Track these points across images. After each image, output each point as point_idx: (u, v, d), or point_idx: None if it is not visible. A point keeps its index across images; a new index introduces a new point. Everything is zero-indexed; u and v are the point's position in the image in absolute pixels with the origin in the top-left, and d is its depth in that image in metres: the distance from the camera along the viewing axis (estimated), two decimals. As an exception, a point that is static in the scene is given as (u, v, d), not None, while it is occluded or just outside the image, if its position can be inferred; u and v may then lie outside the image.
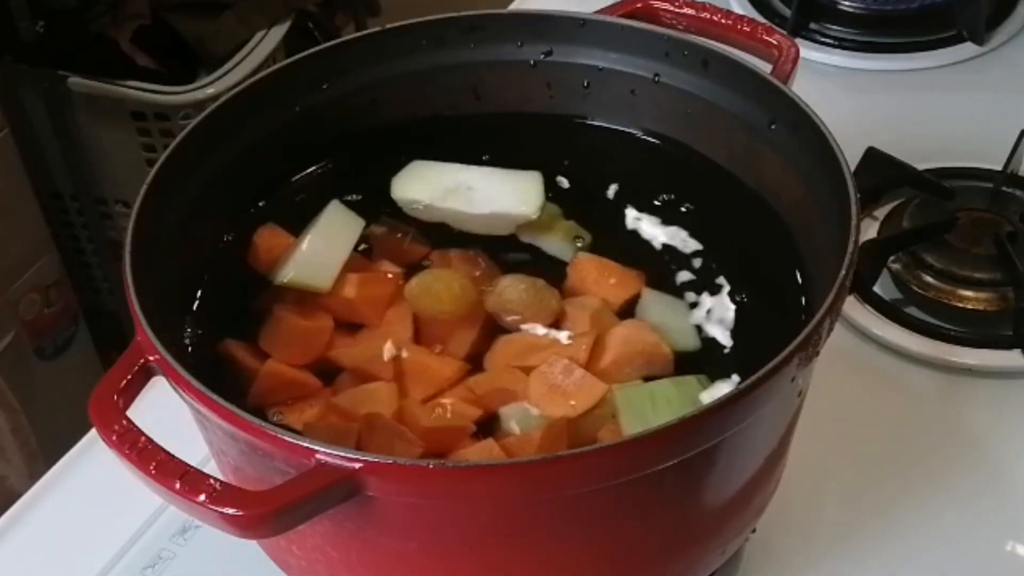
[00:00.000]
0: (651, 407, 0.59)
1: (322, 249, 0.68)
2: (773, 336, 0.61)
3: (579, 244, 0.69)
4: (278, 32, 1.67)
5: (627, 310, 0.65)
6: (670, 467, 0.52)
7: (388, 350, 0.64)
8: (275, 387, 0.62)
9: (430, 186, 0.71)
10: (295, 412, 0.61)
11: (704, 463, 0.55)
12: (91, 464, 0.80)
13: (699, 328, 0.65)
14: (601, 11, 0.72)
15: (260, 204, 0.71)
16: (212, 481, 0.51)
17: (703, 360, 0.63)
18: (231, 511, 0.50)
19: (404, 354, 0.64)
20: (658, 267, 0.68)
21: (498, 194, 0.71)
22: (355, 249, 0.69)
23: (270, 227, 0.69)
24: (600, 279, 0.67)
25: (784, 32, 0.70)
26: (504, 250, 0.69)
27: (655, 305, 0.66)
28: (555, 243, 0.69)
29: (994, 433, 0.79)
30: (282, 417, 0.61)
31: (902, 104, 1.05)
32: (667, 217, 0.70)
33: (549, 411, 0.60)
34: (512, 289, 0.66)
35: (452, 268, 0.67)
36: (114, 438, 0.53)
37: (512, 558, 0.56)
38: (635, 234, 0.70)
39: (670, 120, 0.72)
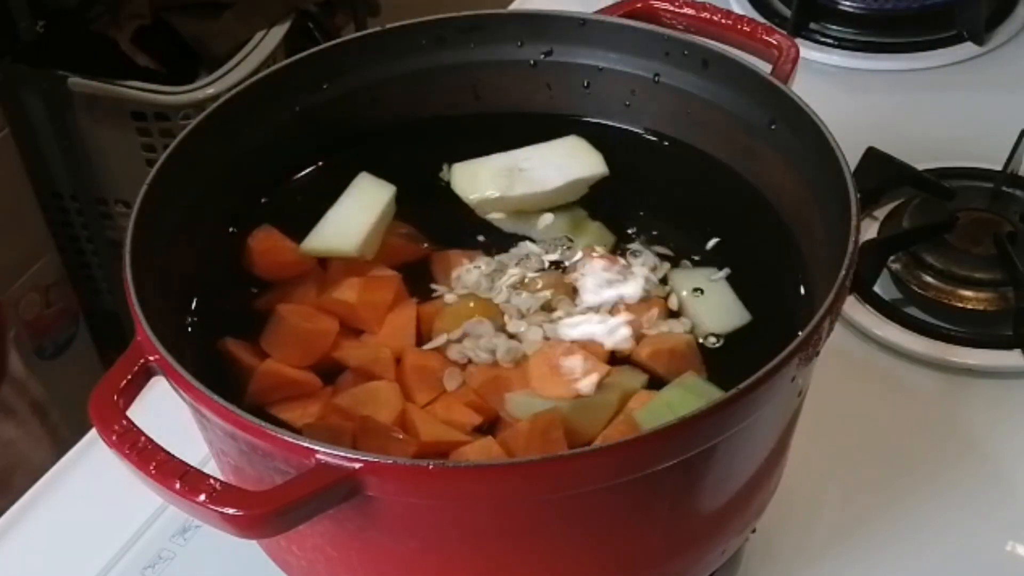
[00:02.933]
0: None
1: (347, 216, 0.69)
2: (773, 336, 0.62)
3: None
4: (278, 32, 1.67)
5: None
6: (670, 467, 0.52)
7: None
8: (272, 386, 0.62)
9: (490, 180, 0.71)
10: (293, 412, 0.61)
11: (704, 463, 0.55)
12: (91, 464, 0.80)
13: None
14: (601, 11, 0.72)
15: (260, 204, 0.71)
16: (212, 481, 0.51)
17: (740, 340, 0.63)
18: (231, 511, 0.50)
19: (407, 356, 0.64)
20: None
21: (558, 164, 0.71)
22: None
23: (265, 229, 0.69)
24: (602, 274, 0.67)
25: (784, 32, 0.70)
26: (507, 246, 0.69)
27: (688, 284, 0.66)
28: (584, 241, 0.70)
29: (994, 433, 0.79)
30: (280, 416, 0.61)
31: (902, 104, 1.05)
32: (668, 216, 0.70)
33: (548, 393, 0.61)
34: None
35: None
36: (114, 438, 0.53)
37: (512, 558, 0.56)
38: (636, 232, 0.70)
39: (670, 120, 0.72)
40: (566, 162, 0.71)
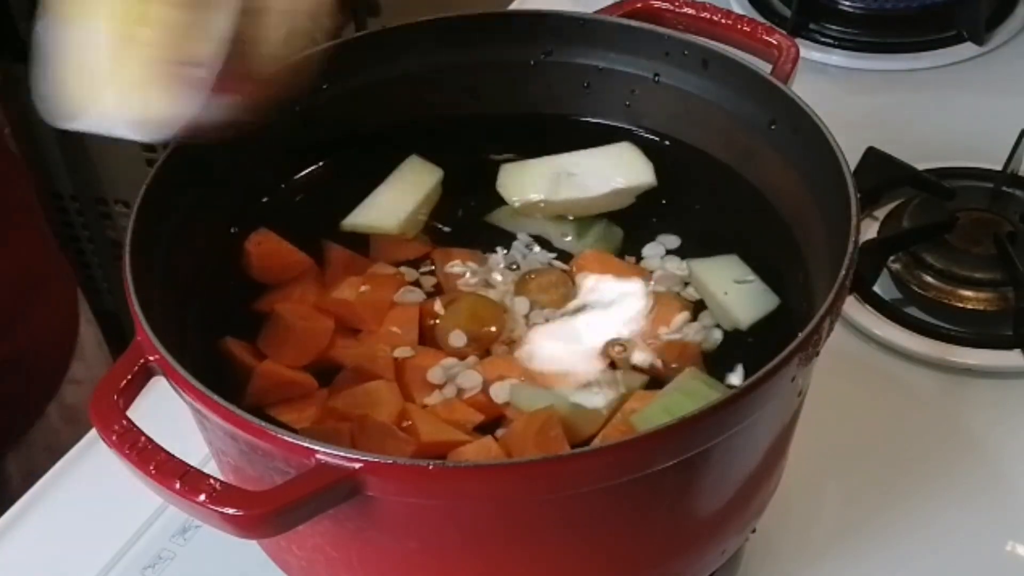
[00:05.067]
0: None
1: (393, 195, 0.70)
2: (773, 336, 0.62)
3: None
4: (278, 32, 1.67)
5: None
6: (670, 467, 0.52)
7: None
8: (270, 387, 0.62)
9: (536, 183, 0.71)
10: (290, 414, 0.61)
11: (704, 463, 0.55)
12: (91, 464, 0.80)
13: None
14: (601, 11, 0.72)
15: (260, 204, 0.71)
16: (212, 481, 0.51)
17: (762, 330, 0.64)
18: (231, 511, 0.50)
19: (408, 352, 0.64)
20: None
21: (606, 171, 0.71)
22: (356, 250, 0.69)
23: (262, 232, 0.69)
24: (603, 274, 0.67)
25: (784, 32, 0.70)
26: (510, 245, 0.70)
27: (715, 272, 0.66)
28: (590, 239, 0.70)
29: (994, 433, 0.79)
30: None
31: (902, 104, 1.05)
32: (669, 215, 0.70)
33: (549, 383, 0.61)
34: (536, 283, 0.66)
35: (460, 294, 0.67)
36: (114, 438, 0.53)
37: (512, 558, 0.56)
38: (638, 229, 0.70)
39: (670, 120, 0.72)
40: (614, 169, 0.71)
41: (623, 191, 0.71)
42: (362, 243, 0.70)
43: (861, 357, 0.83)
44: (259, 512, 0.50)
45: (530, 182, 0.71)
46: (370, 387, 0.62)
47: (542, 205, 0.70)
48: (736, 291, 0.65)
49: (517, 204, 0.71)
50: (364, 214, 0.70)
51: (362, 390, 0.62)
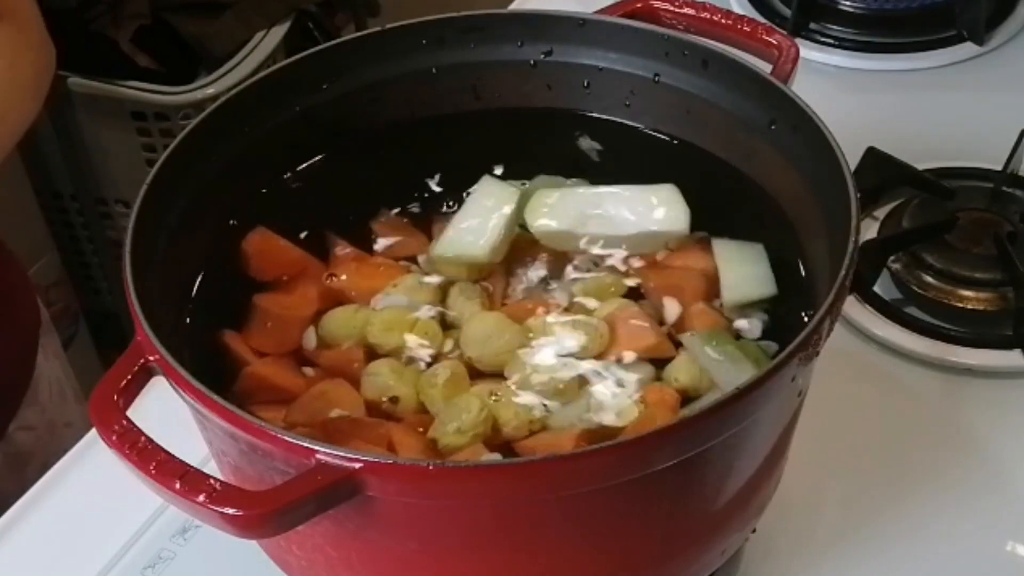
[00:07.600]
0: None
1: (475, 221, 0.68)
2: (774, 335, 0.62)
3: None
4: (278, 32, 1.67)
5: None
6: (670, 467, 0.52)
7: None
8: (256, 389, 0.62)
9: (563, 212, 0.69)
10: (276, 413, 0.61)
11: (704, 463, 0.55)
12: (91, 464, 0.80)
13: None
14: (601, 11, 0.72)
15: (260, 204, 0.71)
16: (212, 481, 0.51)
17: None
18: (231, 511, 0.50)
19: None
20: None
21: (640, 212, 0.68)
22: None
23: (259, 231, 0.69)
24: None
25: (784, 32, 0.70)
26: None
27: (733, 253, 0.67)
28: None
29: (994, 433, 0.79)
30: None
31: (902, 104, 1.05)
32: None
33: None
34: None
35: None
36: (114, 438, 0.53)
37: (512, 558, 0.56)
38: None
39: (670, 120, 0.72)
40: (648, 211, 0.68)
41: (651, 235, 0.68)
42: (365, 240, 0.70)
43: (861, 357, 0.83)
44: (259, 512, 0.50)
45: (555, 211, 0.69)
46: (316, 390, 0.61)
47: (564, 237, 0.69)
48: (737, 268, 0.66)
49: (536, 229, 0.69)
50: (450, 244, 0.68)
51: (315, 394, 0.61)
